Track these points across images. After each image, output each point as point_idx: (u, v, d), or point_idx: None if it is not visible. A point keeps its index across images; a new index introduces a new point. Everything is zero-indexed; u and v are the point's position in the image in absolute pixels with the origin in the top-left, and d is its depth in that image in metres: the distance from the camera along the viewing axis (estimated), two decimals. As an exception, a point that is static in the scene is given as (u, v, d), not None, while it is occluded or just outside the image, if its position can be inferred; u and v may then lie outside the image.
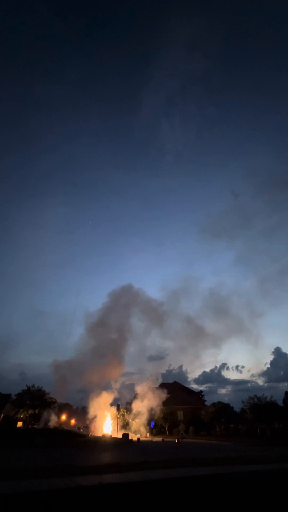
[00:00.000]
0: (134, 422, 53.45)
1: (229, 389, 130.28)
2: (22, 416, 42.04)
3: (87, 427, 57.03)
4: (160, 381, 61.94)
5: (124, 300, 67.26)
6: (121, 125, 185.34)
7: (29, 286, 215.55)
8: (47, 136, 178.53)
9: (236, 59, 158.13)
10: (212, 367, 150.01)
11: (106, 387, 54.08)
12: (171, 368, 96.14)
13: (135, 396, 55.12)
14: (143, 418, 53.70)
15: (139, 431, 50.76)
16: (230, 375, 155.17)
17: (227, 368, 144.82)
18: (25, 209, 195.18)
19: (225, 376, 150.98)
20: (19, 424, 42.81)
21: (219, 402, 52.81)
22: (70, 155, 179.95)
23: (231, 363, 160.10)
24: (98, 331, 61.38)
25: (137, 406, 53.17)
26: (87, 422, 56.32)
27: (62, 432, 34.42)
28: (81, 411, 68.71)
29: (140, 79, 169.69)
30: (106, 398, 51.44)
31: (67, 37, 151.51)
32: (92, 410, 50.14)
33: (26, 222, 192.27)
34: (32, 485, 7.22)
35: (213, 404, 51.33)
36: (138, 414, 52.90)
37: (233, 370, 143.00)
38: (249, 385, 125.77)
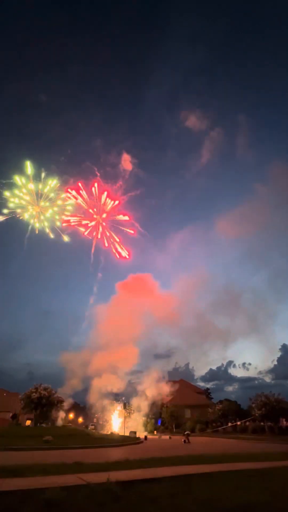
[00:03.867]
0: (141, 419, 53.69)
1: (236, 386, 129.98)
2: (30, 414, 42.54)
3: (94, 426, 57.47)
4: (166, 379, 62.03)
5: (134, 291, 68.09)
6: (123, 122, 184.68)
7: (34, 286, 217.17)
8: (47, 135, 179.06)
9: (240, 50, 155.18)
10: (219, 364, 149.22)
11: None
12: (177, 366, 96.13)
13: (141, 394, 55.27)
14: (150, 415, 53.90)
15: (146, 428, 50.98)
16: (237, 372, 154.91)
17: (234, 366, 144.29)
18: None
19: (232, 374, 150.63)
20: (28, 422, 43.40)
21: (226, 400, 52.78)
22: (69, 153, 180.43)
23: (238, 361, 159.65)
24: (108, 323, 61.89)
25: (143, 403, 53.34)
26: (91, 410, 56.52)
27: (70, 430, 34.72)
28: (88, 410, 69.16)
29: (141, 73, 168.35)
30: (113, 380, 51.39)
31: (65, 30, 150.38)
32: (94, 397, 50.13)
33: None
34: (41, 482, 7.25)
35: (220, 401, 51.31)
36: (144, 411, 53.10)
37: (239, 367, 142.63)
38: (256, 382, 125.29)
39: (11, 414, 51.47)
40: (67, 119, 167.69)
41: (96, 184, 58.17)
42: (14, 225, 62.28)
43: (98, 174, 63.42)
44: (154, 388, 56.18)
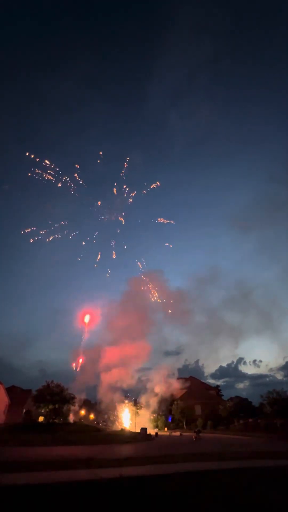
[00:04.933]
0: (152, 416, 54.04)
1: (247, 383, 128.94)
2: (43, 411, 43.36)
3: (105, 422, 58.14)
4: (176, 376, 62.10)
5: (144, 286, 68.21)
6: (127, 119, 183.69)
7: (44, 285, 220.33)
8: (52, 133, 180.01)
9: (246, 41, 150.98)
10: (229, 361, 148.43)
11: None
12: (187, 363, 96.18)
13: (151, 391, 55.56)
14: (160, 412, 54.16)
15: (157, 425, 51.28)
16: (248, 369, 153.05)
17: (244, 363, 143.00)
18: (35, 208, 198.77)
19: (243, 371, 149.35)
20: (41, 418, 44.25)
21: (236, 397, 52.43)
22: (75, 153, 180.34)
23: (249, 358, 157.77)
24: (119, 318, 62.32)
25: (153, 400, 53.61)
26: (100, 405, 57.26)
27: (82, 426, 35.27)
28: (99, 406, 70.05)
29: (144, 69, 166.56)
30: (124, 377, 51.82)
31: (69, 29, 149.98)
32: (104, 394, 50.62)
33: (37, 221, 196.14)
34: (56, 476, 7.44)
35: (231, 398, 51.03)
36: (153, 408, 53.38)
37: (250, 364, 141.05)
38: (267, 379, 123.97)
39: (24, 410, 52.62)
40: (72, 117, 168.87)
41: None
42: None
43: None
44: (163, 385, 56.42)
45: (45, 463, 9.58)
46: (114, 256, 74.53)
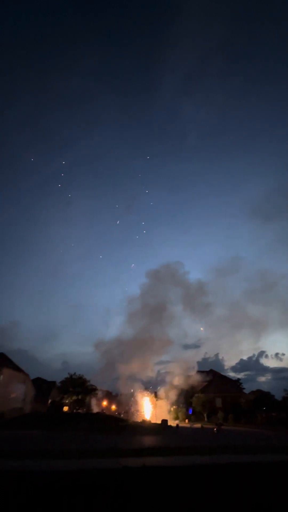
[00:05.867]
0: (172, 408, 54.57)
1: (269, 377, 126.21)
2: (67, 401, 45.17)
3: (127, 413, 59.47)
4: (196, 369, 62.06)
5: (163, 279, 68.27)
6: (139, 111, 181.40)
7: (63, 280, 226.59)
8: (66, 130, 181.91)
9: (261, 21, 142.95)
10: (250, 354, 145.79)
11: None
12: (206, 356, 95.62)
13: (170, 383, 55.99)
14: (180, 404, 54.52)
15: (177, 417, 51.75)
16: (270, 363, 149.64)
17: (266, 356, 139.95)
18: (51, 205, 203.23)
19: (264, 364, 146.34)
20: (65, 408, 46.10)
21: (258, 390, 51.65)
22: (90, 147, 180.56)
23: (271, 351, 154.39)
24: (139, 313, 62.93)
25: (172, 392, 54.02)
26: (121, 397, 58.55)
27: (104, 417, 36.31)
28: (120, 398, 71.68)
29: (155, 57, 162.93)
30: (144, 369, 52.51)
31: (75, 21, 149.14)
32: (125, 386, 51.59)
33: (53, 218, 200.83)
34: (83, 464, 7.74)
35: (253, 392, 50.33)
36: (173, 400, 53.78)
37: (272, 357, 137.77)
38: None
39: (50, 401, 55.05)
40: (84, 111, 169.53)
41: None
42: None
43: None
44: (183, 377, 56.61)
45: (70, 452, 10.00)
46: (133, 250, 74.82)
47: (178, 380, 55.60)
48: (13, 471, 6.57)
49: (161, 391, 55.67)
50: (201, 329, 68.37)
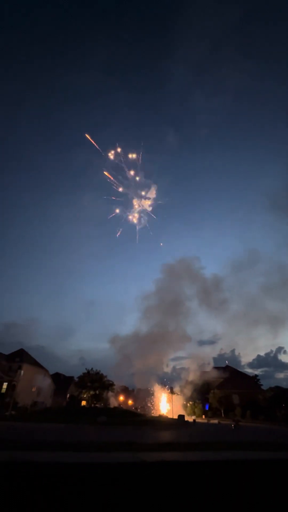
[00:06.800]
0: (189, 404, 54.57)
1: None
2: (84, 396, 46.24)
3: (143, 408, 60.12)
4: (212, 365, 61.65)
5: (179, 273, 67.96)
6: (149, 106, 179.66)
7: (78, 278, 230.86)
8: (77, 127, 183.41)
9: (277, 3, 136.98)
10: (268, 351, 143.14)
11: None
12: (222, 352, 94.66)
13: (186, 379, 55.95)
14: (197, 400, 54.40)
15: (194, 412, 51.73)
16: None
17: (285, 352, 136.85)
18: (64, 204, 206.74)
19: (282, 360, 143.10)
20: (83, 403, 47.24)
21: (276, 387, 50.49)
22: (99, 144, 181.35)
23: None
24: (155, 308, 63.12)
25: (187, 388, 53.96)
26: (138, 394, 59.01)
27: (121, 412, 36.88)
28: (136, 393, 72.52)
29: (165, 46, 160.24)
30: (160, 365, 52.63)
31: (84, 15, 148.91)
32: (141, 381, 51.94)
33: (66, 217, 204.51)
34: (102, 457, 7.90)
35: (271, 388, 49.31)
36: (188, 396, 53.72)
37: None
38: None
39: (68, 395, 56.59)
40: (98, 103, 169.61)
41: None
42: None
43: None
44: (199, 373, 56.38)
45: (90, 444, 10.22)
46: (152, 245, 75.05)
47: (193, 376, 55.49)
48: (47, 463, 6.79)
49: (177, 387, 55.79)
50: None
